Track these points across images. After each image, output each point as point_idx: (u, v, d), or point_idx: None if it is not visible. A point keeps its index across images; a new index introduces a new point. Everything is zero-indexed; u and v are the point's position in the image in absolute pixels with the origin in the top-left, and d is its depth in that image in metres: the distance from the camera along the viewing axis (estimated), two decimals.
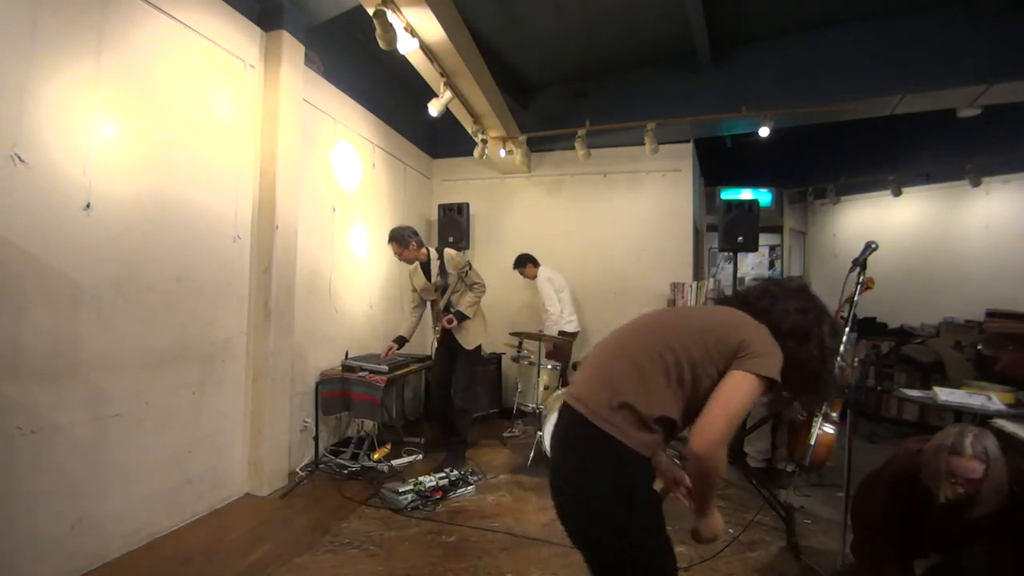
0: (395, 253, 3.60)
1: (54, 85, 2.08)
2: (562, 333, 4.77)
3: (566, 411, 1.30)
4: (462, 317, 3.64)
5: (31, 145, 1.99)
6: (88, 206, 2.21)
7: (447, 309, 3.69)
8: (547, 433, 3.57)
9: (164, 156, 2.58)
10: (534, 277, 4.93)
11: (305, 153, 3.53)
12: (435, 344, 3.90)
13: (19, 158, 1.95)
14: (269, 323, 3.14)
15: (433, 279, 3.69)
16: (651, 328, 1.37)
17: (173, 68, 2.62)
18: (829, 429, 2.32)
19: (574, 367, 4.99)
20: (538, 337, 4.07)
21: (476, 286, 3.74)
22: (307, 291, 3.62)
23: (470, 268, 3.73)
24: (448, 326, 3.62)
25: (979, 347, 4.56)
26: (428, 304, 3.90)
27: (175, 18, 2.61)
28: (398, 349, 3.79)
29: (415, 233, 3.61)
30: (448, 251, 3.74)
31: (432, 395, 3.89)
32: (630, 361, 1.25)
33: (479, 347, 3.81)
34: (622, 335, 1.39)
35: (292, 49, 3.27)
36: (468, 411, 3.82)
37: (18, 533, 1.96)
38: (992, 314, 4.98)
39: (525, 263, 4.92)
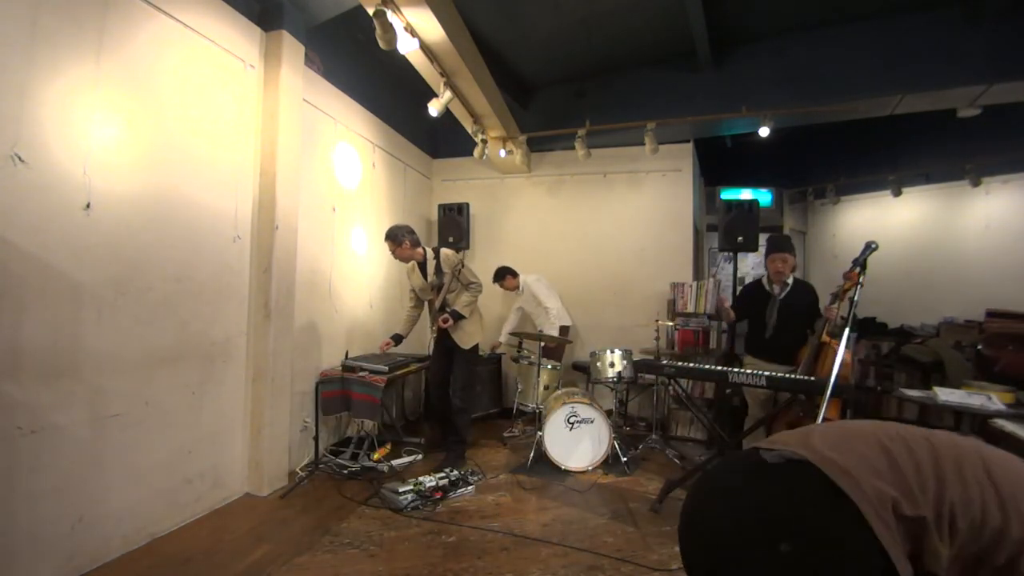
0: (390, 251, 3.66)
1: (54, 85, 2.08)
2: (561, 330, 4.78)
3: (790, 467, 0.94)
4: (458, 316, 3.65)
5: (31, 145, 1.99)
6: (88, 206, 2.21)
7: (443, 308, 3.71)
8: (548, 433, 3.58)
9: (164, 156, 2.58)
10: (515, 288, 4.93)
11: (305, 153, 3.53)
12: (432, 344, 3.91)
13: (19, 158, 1.95)
14: (269, 323, 3.14)
15: (429, 279, 3.72)
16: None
17: (173, 68, 2.62)
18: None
19: (574, 367, 5.00)
20: (537, 337, 4.07)
21: (472, 285, 3.75)
22: (307, 291, 3.62)
23: (463, 266, 3.74)
24: (443, 325, 3.63)
25: (979, 347, 4.57)
26: (426, 304, 3.91)
27: (175, 18, 2.61)
28: (395, 345, 3.86)
29: (411, 232, 3.66)
30: (444, 250, 3.78)
31: (430, 395, 3.90)
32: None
33: (476, 346, 3.82)
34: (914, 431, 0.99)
35: (292, 49, 3.27)
36: (467, 410, 3.84)
37: (18, 533, 1.96)
38: (992, 314, 4.98)
39: (504, 276, 4.90)
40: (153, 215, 2.52)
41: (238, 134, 3.06)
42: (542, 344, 4.08)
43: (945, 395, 2.95)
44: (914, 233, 6.23)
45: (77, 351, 2.18)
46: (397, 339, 3.87)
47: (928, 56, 4.17)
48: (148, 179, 2.49)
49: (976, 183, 5.50)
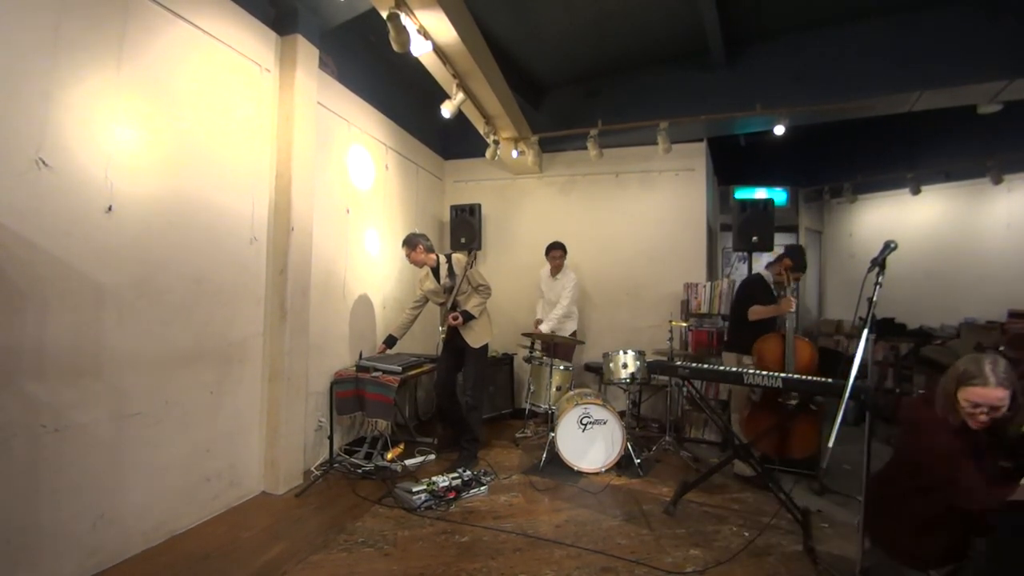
0: (406, 256, 3.89)
1: (77, 91, 2.12)
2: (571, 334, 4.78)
3: None
4: (468, 316, 3.73)
5: (55, 150, 2.04)
6: (110, 209, 2.26)
7: (453, 309, 3.78)
8: (560, 434, 3.57)
9: (183, 159, 2.63)
10: (558, 268, 4.81)
11: (319, 155, 3.57)
12: (440, 346, 3.96)
13: (43, 162, 2.00)
14: (285, 324, 3.17)
15: (442, 281, 3.86)
16: None
17: (191, 73, 2.66)
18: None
19: (587, 368, 4.98)
20: (550, 338, 4.06)
21: (482, 288, 3.86)
22: (322, 292, 3.66)
23: (470, 266, 3.82)
24: (454, 323, 3.70)
25: (1001, 348, 4.47)
26: (437, 308, 4.00)
27: (194, 24, 2.65)
28: (388, 349, 3.98)
29: (426, 239, 3.89)
30: (455, 254, 3.95)
31: (435, 392, 3.94)
32: None
33: (486, 346, 3.88)
34: None
35: (307, 53, 3.31)
36: (479, 408, 3.91)
37: (42, 529, 2.00)
38: (1015, 315, 4.88)
39: (560, 248, 4.80)
40: (173, 218, 2.56)
41: (254, 137, 3.10)
42: (553, 344, 4.09)
43: None
44: (934, 232, 6.12)
45: (99, 351, 2.22)
46: (391, 342, 4.00)
47: (947, 52, 4.09)
48: (168, 182, 2.54)
49: (998, 180, 5.39)
